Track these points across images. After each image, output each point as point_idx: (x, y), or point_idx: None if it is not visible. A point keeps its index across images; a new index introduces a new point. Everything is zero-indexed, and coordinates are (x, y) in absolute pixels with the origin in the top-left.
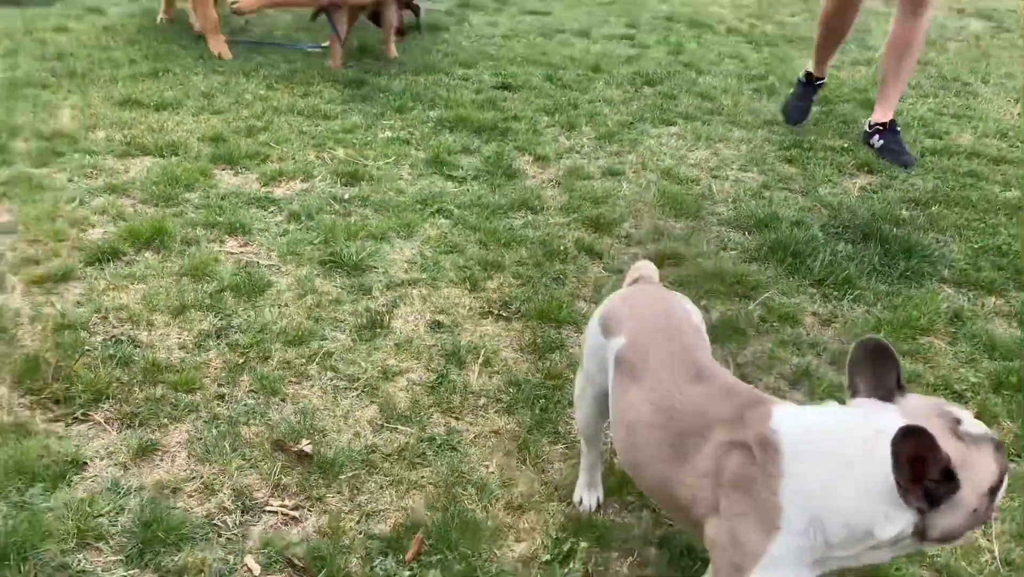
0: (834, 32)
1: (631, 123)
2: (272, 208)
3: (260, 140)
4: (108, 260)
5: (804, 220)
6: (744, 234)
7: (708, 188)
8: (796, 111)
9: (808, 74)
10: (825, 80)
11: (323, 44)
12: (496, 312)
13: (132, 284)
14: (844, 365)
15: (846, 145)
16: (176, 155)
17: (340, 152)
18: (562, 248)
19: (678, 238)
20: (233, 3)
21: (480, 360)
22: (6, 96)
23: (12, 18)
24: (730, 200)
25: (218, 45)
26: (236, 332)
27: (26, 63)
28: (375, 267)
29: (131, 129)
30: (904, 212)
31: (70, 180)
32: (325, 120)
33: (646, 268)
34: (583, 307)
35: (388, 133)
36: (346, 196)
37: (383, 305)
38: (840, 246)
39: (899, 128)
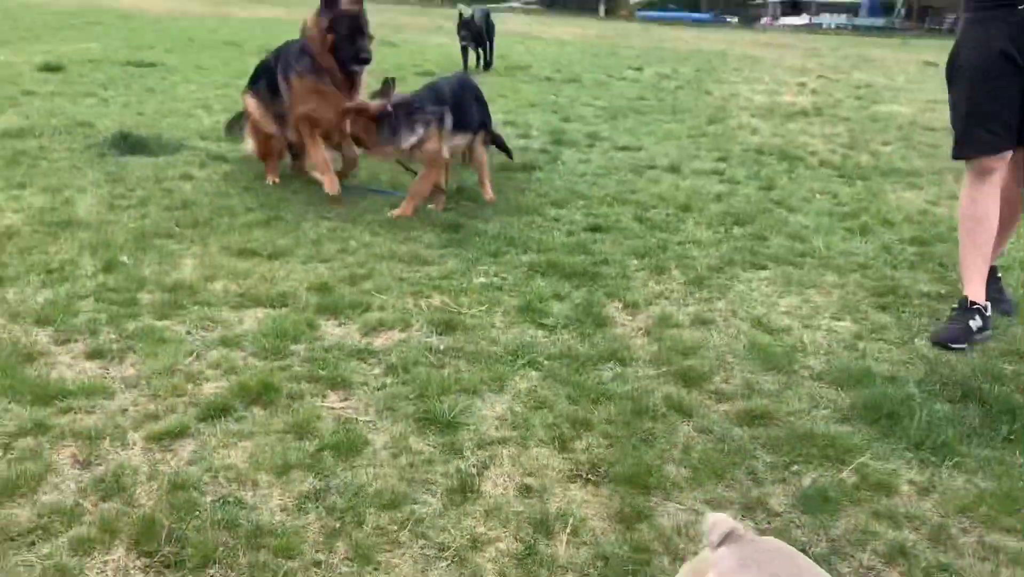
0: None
1: (721, 267)
2: (372, 360)
3: (363, 288)
4: (220, 416)
5: (899, 376)
6: (837, 391)
7: (800, 339)
8: (951, 331)
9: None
10: (982, 307)
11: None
12: (585, 475)
13: (240, 441)
14: (943, 541)
15: (943, 291)
16: (285, 306)
17: (436, 300)
18: (651, 405)
19: (768, 394)
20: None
21: (568, 529)
22: (136, 247)
23: (145, 167)
24: (822, 352)
25: (332, 184)
26: (334, 494)
27: (155, 212)
28: (467, 424)
29: (246, 279)
30: (1007, 367)
31: (188, 333)
32: (424, 266)
33: (726, 523)
34: (672, 472)
35: (482, 279)
36: (441, 347)
37: (473, 466)
38: (938, 405)
39: (999, 273)
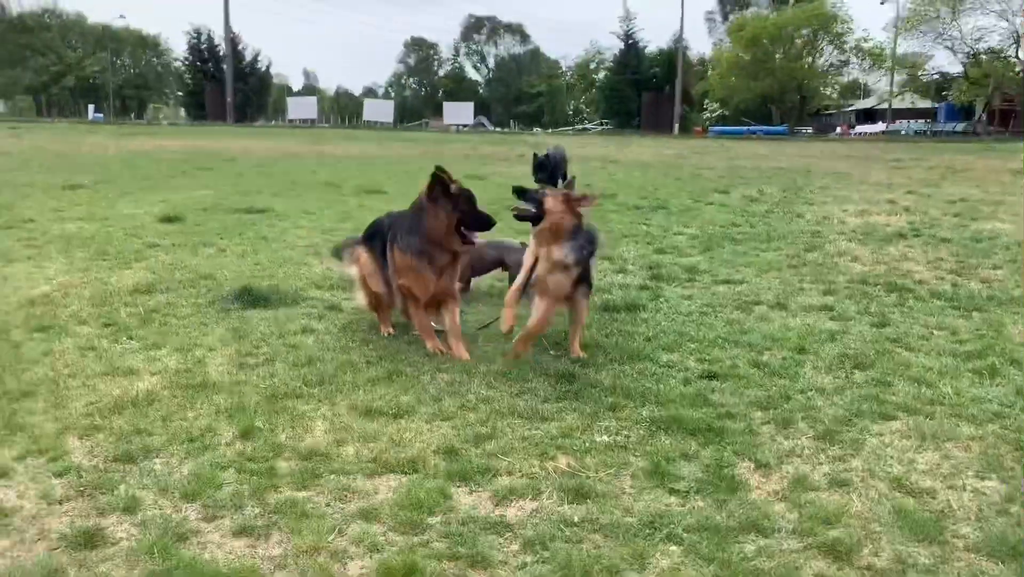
0: None
1: (849, 418)
2: (507, 534)
3: (488, 450)
4: None
5: None
6: (998, 564)
7: (947, 503)
8: None
9: None
10: None
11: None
12: None
13: None
14: None
15: None
16: (416, 472)
17: (562, 463)
18: None
19: (924, 570)
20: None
21: None
22: (268, 408)
23: (268, 321)
24: (973, 518)
25: (460, 350)
26: None
27: (282, 370)
28: None
29: (375, 442)
30: None
31: (328, 505)
32: (543, 422)
33: None
34: None
35: (605, 437)
36: (576, 518)
37: None
38: None
39: None
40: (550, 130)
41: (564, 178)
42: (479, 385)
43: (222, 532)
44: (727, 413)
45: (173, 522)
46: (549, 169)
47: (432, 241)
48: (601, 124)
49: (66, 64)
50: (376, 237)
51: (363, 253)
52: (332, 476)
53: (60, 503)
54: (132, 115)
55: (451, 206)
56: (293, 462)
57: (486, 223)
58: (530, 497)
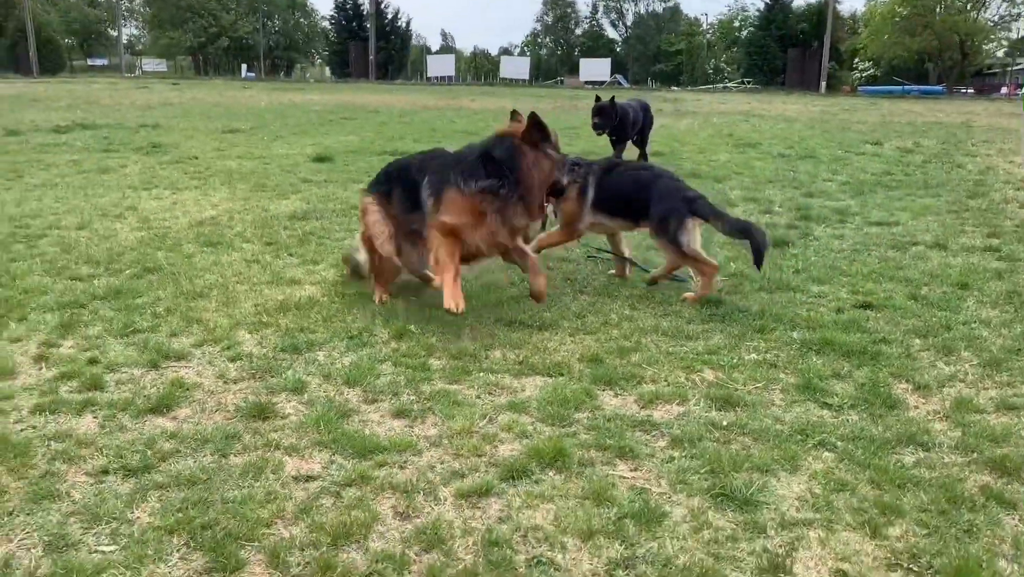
0: None
1: (1018, 349)
2: (654, 432)
3: (632, 360)
4: (519, 477)
5: None
6: None
7: None
8: None
9: None
10: None
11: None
12: (906, 565)
13: (542, 503)
14: None
15: None
16: (562, 375)
17: (709, 375)
18: (967, 494)
19: None
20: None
21: None
22: (418, 317)
23: None
24: None
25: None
26: (642, 563)
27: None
28: (765, 502)
29: (520, 349)
30: None
31: (478, 397)
32: (688, 340)
33: None
34: (1005, 568)
35: (753, 355)
36: (724, 422)
37: (780, 546)
38: None
39: None
40: (688, 88)
41: (643, 136)
42: (621, 306)
43: (381, 413)
44: (883, 339)
45: (336, 403)
46: (614, 119)
47: (526, 189)
48: (743, 82)
49: (221, 26)
50: (397, 184)
51: (372, 205)
52: (481, 374)
53: (234, 382)
54: (281, 74)
55: (553, 158)
56: (444, 360)
57: (561, 190)
58: (676, 402)
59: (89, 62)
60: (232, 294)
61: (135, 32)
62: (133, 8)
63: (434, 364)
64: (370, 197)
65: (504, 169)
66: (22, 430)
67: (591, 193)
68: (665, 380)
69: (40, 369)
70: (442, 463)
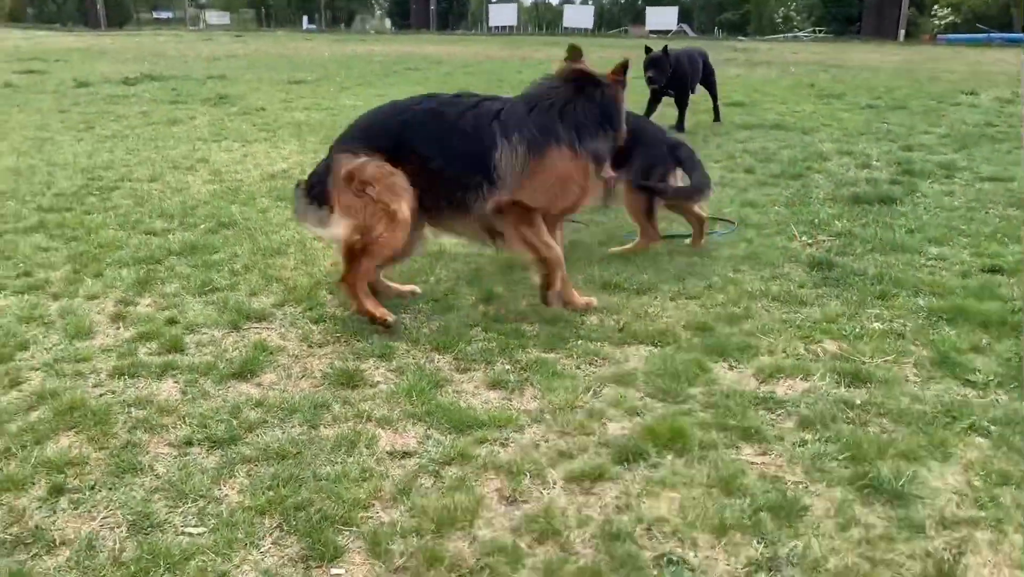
0: None
1: None
2: (779, 411)
3: (744, 329)
4: (634, 460)
5: None
6: None
7: None
8: None
9: None
10: None
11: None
12: None
13: (663, 491)
14: None
15: None
16: (668, 344)
17: (831, 346)
18: None
19: None
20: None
21: None
22: (505, 279)
23: None
24: None
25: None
26: (787, 566)
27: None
28: (919, 496)
29: (619, 314)
30: None
31: (578, 368)
32: (802, 307)
33: None
34: None
35: (877, 324)
36: (858, 401)
37: (943, 549)
38: None
39: None
40: (756, 38)
41: (711, 88)
42: (723, 267)
43: (475, 383)
44: (1021, 308)
45: (427, 370)
46: (668, 70)
47: (619, 146)
48: (815, 31)
49: None
50: (422, 139)
51: (376, 166)
52: (579, 341)
53: (319, 346)
54: (342, 25)
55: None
56: (538, 326)
57: None
58: (800, 377)
59: (155, 15)
60: (310, 252)
61: None
62: None
63: (527, 330)
64: (365, 156)
65: (611, 122)
66: (101, 395)
67: None
68: (783, 351)
69: (118, 329)
70: (547, 441)
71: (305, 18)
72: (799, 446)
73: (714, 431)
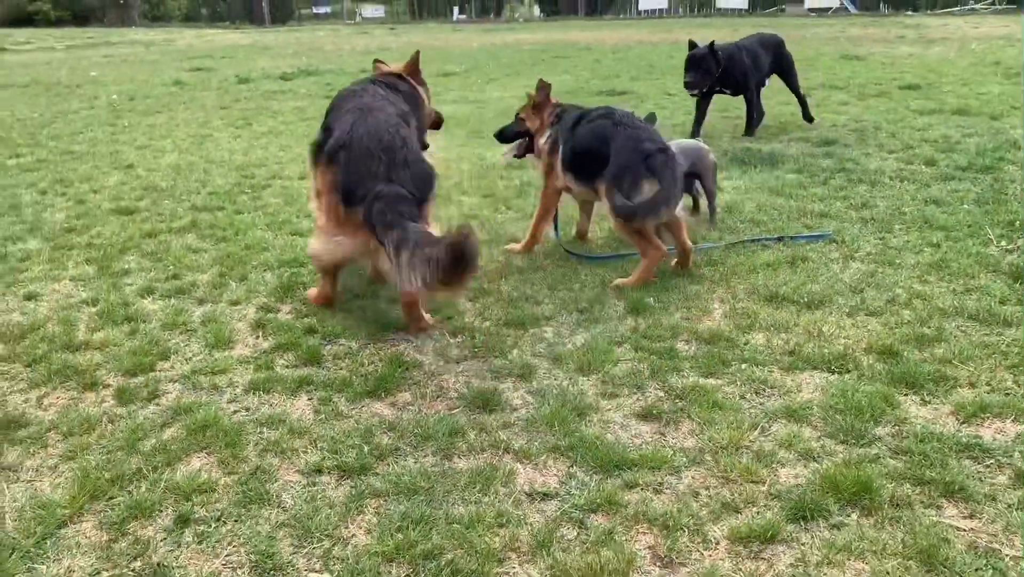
0: None
1: None
2: (988, 461)
3: (937, 355)
4: (812, 517)
5: None
6: None
7: None
8: None
9: None
10: None
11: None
12: None
13: (849, 559)
14: None
15: None
16: (847, 372)
17: None
18: None
19: None
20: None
21: None
22: (656, 286)
23: None
24: None
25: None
26: None
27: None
28: None
29: (788, 333)
30: None
31: (743, 397)
32: (1006, 327)
33: None
34: None
35: None
36: None
37: None
38: None
39: None
40: (927, 12)
41: (793, 85)
42: (907, 277)
43: (624, 412)
44: None
45: (570, 395)
46: (715, 71)
47: None
48: (994, 1)
49: None
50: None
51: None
52: (743, 365)
53: (456, 362)
54: (492, 14)
55: None
56: (694, 345)
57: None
58: (1011, 418)
59: (314, 10)
60: None
61: None
62: None
63: (682, 349)
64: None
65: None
66: (235, 412)
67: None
68: (987, 384)
69: (257, 338)
70: (707, 489)
71: (456, 8)
72: (1016, 509)
73: (908, 484)
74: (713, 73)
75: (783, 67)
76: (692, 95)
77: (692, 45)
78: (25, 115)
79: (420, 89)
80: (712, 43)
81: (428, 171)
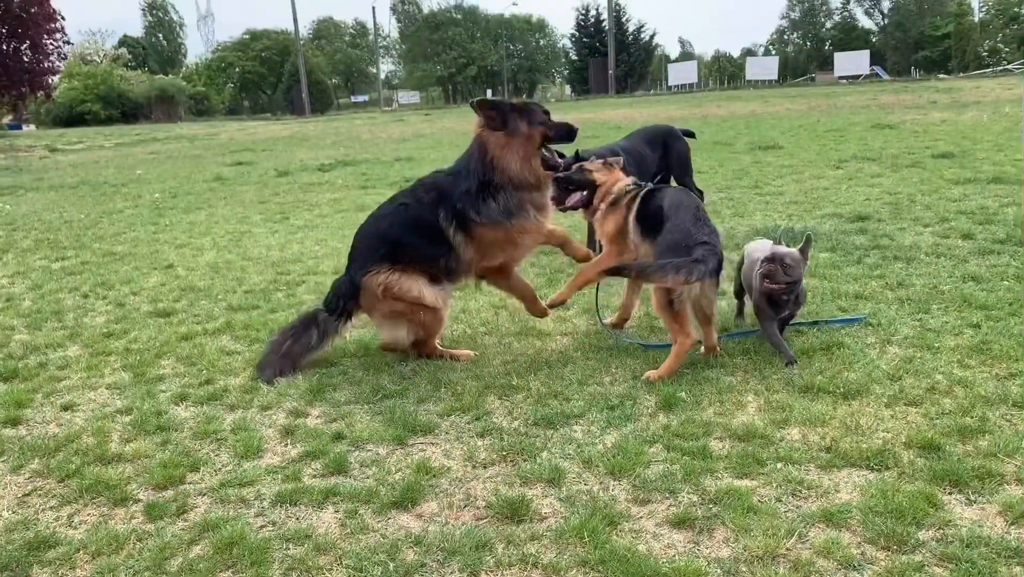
0: None
1: None
2: None
3: (981, 448)
4: None
5: None
6: None
7: None
8: None
9: None
10: None
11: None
12: None
13: None
14: None
15: None
16: (887, 469)
17: None
18: None
19: None
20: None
21: None
22: (689, 379)
23: None
24: None
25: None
26: None
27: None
28: None
29: (824, 427)
30: None
31: (779, 500)
32: None
33: None
34: None
35: None
36: None
37: None
38: None
39: None
40: (960, 75)
41: (678, 175)
42: (947, 363)
43: (656, 520)
44: None
45: (601, 502)
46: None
47: (513, 181)
48: None
49: (469, 56)
50: (399, 246)
51: (389, 276)
52: (778, 464)
53: (484, 467)
54: (524, 95)
55: (525, 121)
56: (728, 443)
57: (570, 132)
58: None
59: (352, 99)
60: (480, 349)
61: (391, 67)
62: (389, 45)
63: (715, 448)
64: (384, 273)
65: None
66: (262, 527)
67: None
68: None
69: (286, 446)
70: None
71: (489, 91)
72: None
73: None
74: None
75: (673, 162)
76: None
77: (561, 156)
78: (72, 216)
79: None
80: (577, 152)
81: None
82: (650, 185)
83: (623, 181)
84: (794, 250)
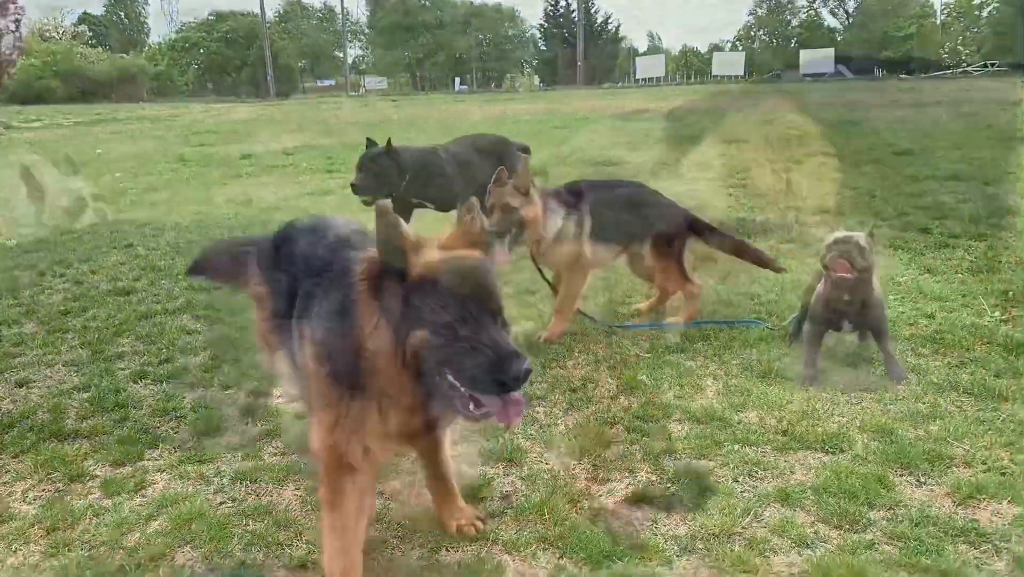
0: None
1: None
2: (984, 547)
3: (932, 433)
4: None
5: None
6: None
7: None
8: None
9: None
10: None
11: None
12: None
13: None
14: None
15: None
16: (841, 452)
17: None
18: None
19: None
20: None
21: None
22: (651, 363)
23: None
24: None
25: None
26: None
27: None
28: None
29: (781, 411)
30: None
31: (735, 480)
32: (1002, 402)
33: None
34: None
35: None
36: None
37: None
38: None
39: None
40: (920, 76)
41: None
42: (901, 351)
43: (615, 498)
44: None
45: (562, 480)
46: (393, 175)
47: None
48: (986, 65)
49: (438, 43)
50: None
51: None
52: (736, 446)
53: None
54: (492, 84)
55: None
56: (687, 425)
57: None
58: (1007, 499)
59: (318, 83)
60: None
61: (359, 52)
62: (357, 29)
63: (674, 429)
64: None
65: None
66: (221, 503)
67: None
68: (983, 463)
69: (247, 424)
70: None
71: (457, 80)
72: None
73: (904, 573)
74: (392, 179)
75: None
76: (363, 202)
77: (370, 143)
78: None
79: None
80: (389, 141)
81: None
82: None
83: None
84: (863, 233)
